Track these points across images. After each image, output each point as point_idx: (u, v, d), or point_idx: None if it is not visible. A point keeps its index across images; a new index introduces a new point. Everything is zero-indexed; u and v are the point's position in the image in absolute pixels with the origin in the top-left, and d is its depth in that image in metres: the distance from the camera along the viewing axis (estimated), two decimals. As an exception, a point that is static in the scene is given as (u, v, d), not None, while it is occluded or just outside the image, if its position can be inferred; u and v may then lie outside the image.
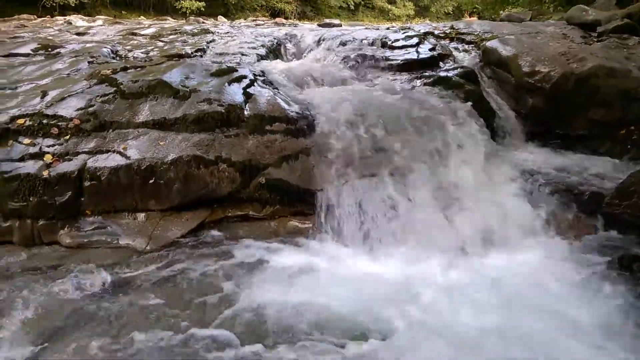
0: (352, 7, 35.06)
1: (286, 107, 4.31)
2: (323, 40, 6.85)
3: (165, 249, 3.70)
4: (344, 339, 2.77)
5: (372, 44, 6.36)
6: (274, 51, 6.94)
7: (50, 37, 7.49)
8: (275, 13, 28.52)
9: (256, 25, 11.82)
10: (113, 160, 3.84)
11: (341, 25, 11.05)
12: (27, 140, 3.93)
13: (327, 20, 13.60)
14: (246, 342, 2.74)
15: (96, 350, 2.70)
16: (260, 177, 3.92)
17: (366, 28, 8.79)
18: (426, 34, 6.70)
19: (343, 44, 6.45)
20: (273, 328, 2.85)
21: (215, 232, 3.87)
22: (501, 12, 10.14)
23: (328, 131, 4.25)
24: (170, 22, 13.60)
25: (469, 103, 4.63)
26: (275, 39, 7.27)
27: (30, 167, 3.72)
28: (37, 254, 3.62)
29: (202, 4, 24.40)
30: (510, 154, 4.61)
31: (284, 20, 18.32)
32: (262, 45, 6.75)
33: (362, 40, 6.49)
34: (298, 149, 4.04)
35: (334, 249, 3.74)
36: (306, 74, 5.50)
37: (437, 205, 4.00)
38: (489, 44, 5.59)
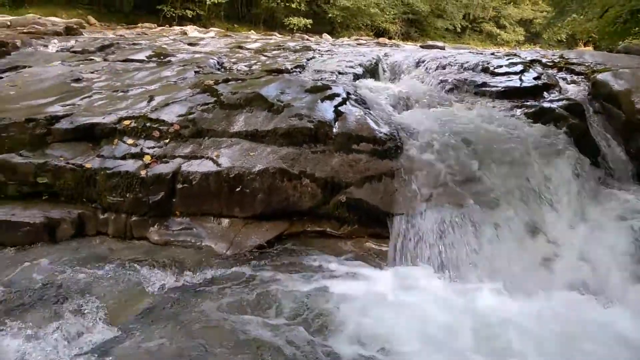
0: (459, 30, 34.44)
1: (375, 127, 4.29)
2: (422, 62, 6.76)
3: (244, 255, 3.79)
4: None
5: (472, 69, 6.18)
6: (371, 71, 6.96)
7: (164, 46, 8.06)
8: (379, 33, 28.70)
9: (357, 44, 11.95)
10: (205, 166, 4.02)
11: (444, 48, 10.88)
12: (130, 141, 4.23)
13: (430, 42, 13.46)
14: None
15: (167, 342, 2.81)
16: (341, 195, 3.92)
17: (470, 52, 8.58)
18: (532, 61, 6.41)
19: (442, 67, 6.33)
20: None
21: (292, 245, 3.92)
22: (620, 42, 9.45)
23: (416, 155, 4.17)
24: (276, 38, 14.14)
25: (572, 138, 4.34)
26: (373, 58, 7.29)
27: (130, 165, 4.00)
28: (127, 247, 3.86)
29: (310, 21, 25.16)
30: (614, 194, 4.25)
31: (386, 41, 18.38)
32: (360, 65, 6.79)
33: (462, 64, 6.33)
34: (382, 171, 4.00)
35: (409, 274, 3.63)
36: (400, 96, 5.46)
37: (527, 243, 3.76)
38: (600, 76, 5.22)
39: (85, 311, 3.06)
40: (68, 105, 4.60)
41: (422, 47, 11.00)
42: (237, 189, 3.96)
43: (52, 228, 3.84)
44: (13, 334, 2.80)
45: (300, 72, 6.32)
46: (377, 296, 3.36)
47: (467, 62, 6.39)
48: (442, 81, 5.89)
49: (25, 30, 10.62)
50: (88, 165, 3.98)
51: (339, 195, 3.93)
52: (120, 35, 11.81)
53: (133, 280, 3.43)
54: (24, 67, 6.51)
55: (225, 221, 4.03)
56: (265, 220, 4.01)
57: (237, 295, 3.32)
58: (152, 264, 3.62)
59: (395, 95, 5.47)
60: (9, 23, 11.59)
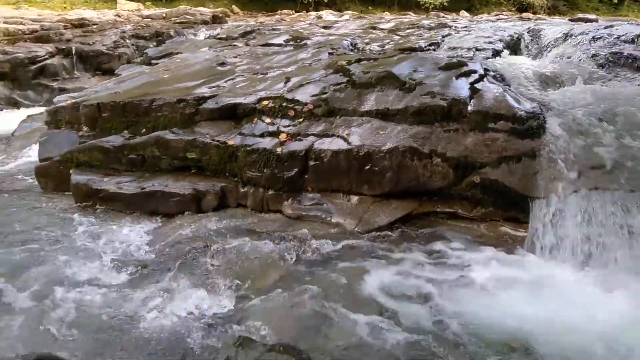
0: (616, 1, 30.82)
1: (515, 105, 4.02)
2: (571, 35, 6.18)
3: (372, 233, 3.82)
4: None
5: (632, 41, 5.50)
6: (513, 46, 6.53)
7: (300, 30, 8.32)
8: (522, 7, 26.74)
9: (497, 19, 11.27)
10: (336, 144, 4.09)
11: (597, 21, 9.82)
12: (268, 120, 4.44)
13: (581, 15, 12.23)
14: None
15: (299, 310, 2.95)
16: (475, 176, 3.75)
17: (629, 23, 7.64)
18: None
19: (594, 39, 5.72)
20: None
21: (420, 225, 3.86)
22: None
23: (561, 134, 3.83)
24: (410, 17, 13.85)
25: None
26: (515, 33, 6.83)
27: (268, 143, 4.21)
28: (263, 219, 4.10)
29: (446, -1, 24.22)
30: None
31: (530, 15, 17.08)
32: (500, 40, 6.41)
33: (619, 36, 5.66)
34: (522, 151, 3.74)
35: (549, 265, 3.39)
36: (545, 72, 5.05)
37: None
38: None
39: (225, 277, 3.31)
40: (214, 87, 4.97)
41: (570, 20, 10.03)
42: (367, 167, 3.98)
43: (198, 199, 4.21)
44: (163, 295, 3.12)
45: (434, 50, 6.14)
46: (519, 288, 3.15)
47: (625, 34, 5.70)
48: (593, 55, 5.33)
49: (177, 21, 11.65)
50: (231, 142, 4.27)
51: (472, 176, 3.77)
52: (261, 22, 12.41)
53: (268, 250, 3.63)
54: (177, 53, 7.17)
55: (354, 198, 4.09)
56: (393, 198, 3.99)
57: (364, 270, 3.36)
58: (286, 237, 3.79)
59: (539, 71, 5.07)
60: (164, 15, 12.79)
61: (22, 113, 7.47)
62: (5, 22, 10.33)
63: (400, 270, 3.37)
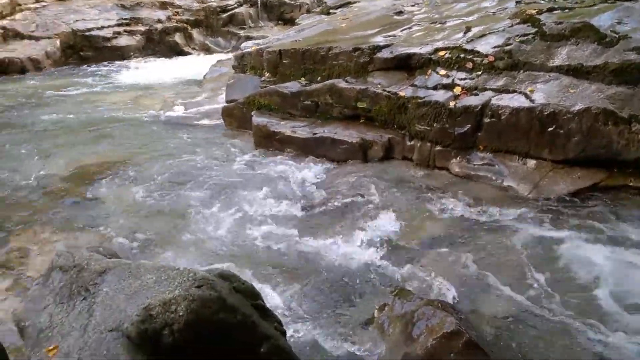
0: None
1: None
2: None
3: (548, 201, 3.51)
4: None
5: None
6: None
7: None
8: None
9: None
10: (517, 101, 3.78)
11: None
12: (442, 72, 4.26)
13: None
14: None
15: (456, 266, 2.89)
16: (686, 148, 3.20)
17: None
18: None
19: None
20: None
21: (607, 199, 3.42)
22: None
23: None
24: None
25: None
26: None
27: (440, 96, 4.05)
28: (428, 175, 4.01)
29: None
30: None
31: None
32: None
33: None
34: None
35: None
36: None
37: None
38: None
39: (387, 223, 3.34)
40: (389, 36, 4.89)
41: None
42: (550, 129, 3.63)
43: (365, 148, 4.26)
44: (331, 234, 3.26)
45: (647, -1, 5.24)
46: None
47: None
48: None
49: (357, -30, 11.54)
50: (402, 94, 4.20)
51: (681, 148, 3.22)
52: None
53: (429, 205, 3.57)
54: (354, 2, 7.16)
55: (531, 162, 3.77)
56: (577, 166, 3.59)
57: (529, 240, 3.12)
58: (450, 194, 3.68)
59: None
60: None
61: (213, 58, 8.22)
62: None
63: (575, 247, 3.05)
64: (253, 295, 1.60)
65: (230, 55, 8.18)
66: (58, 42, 8.28)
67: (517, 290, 2.69)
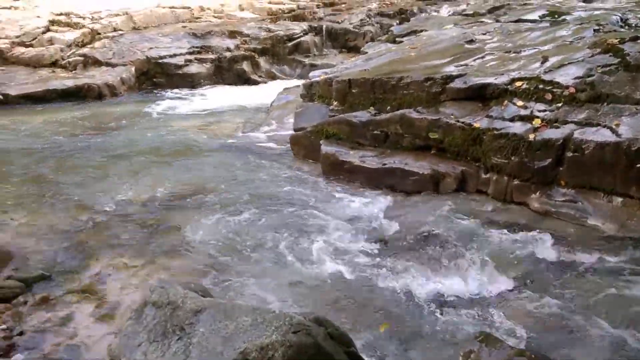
0: None
1: None
2: None
3: (636, 242, 3.29)
4: None
5: None
6: None
7: (557, 5, 7.51)
8: None
9: None
10: (602, 135, 3.61)
11: None
12: (520, 103, 4.12)
13: None
14: None
15: (543, 309, 2.73)
16: None
17: None
18: None
19: None
20: None
21: None
22: None
23: None
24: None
25: None
26: None
27: (518, 128, 3.91)
28: (505, 210, 3.86)
29: None
30: None
31: None
32: None
33: None
34: None
35: None
36: None
37: None
38: None
39: (463, 261, 3.23)
40: (461, 65, 4.80)
41: None
42: (638, 165, 3.43)
43: (437, 180, 4.16)
44: (401, 272, 3.18)
45: None
46: None
47: None
48: None
49: (421, -2, 11.58)
50: (477, 125, 4.09)
51: None
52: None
53: (510, 243, 3.43)
54: (421, 31, 7.13)
55: (618, 199, 3.58)
56: (671, 206, 3.36)
57: (619, 282, 2.93)
58: (530, 232, 3.52)
59: None
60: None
61: (279, 85, 8.37)
62: (269, 2, 11.64)
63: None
64: (346, 342, 1.55)
65: (296, 82, 8.31)
66: (133, 69, 8.67)
67: (611, 337, 2.51)
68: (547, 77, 4.20)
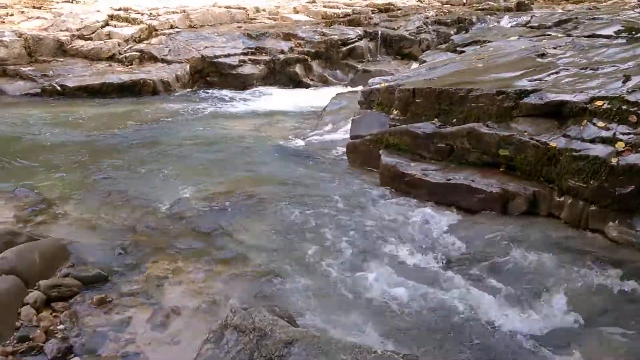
0: None
1: None
2: None
3: None
4: None
5: None
6: None
7: (631, 19, 7.14)
8: None
9: None
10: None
11: None
12: (601, 123, 3.85)
13: None
14: None
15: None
16: None
17: None
18: None
19: None
20: None
21: None
22: None
23: None
24: None
25: None
26: None
27: (600, 150, 3.64)
28: (581, 238, 3.59)
29: None
30: None
31: None
32: None
33: None
34: None
35: None
36: None
37: None
38: None
39: (536, 289, 3.02)
40: (535, 80, 4.55)
41: None
42: None
43: (505, 200, 3.93)
44: (467, 296, 2.98)
45: None
46: None
47: None
48: None
49: (479, 7, 11.32)
50: (552, 144, 3.84)
51: None
52: (569, 10, 11.20)
53: (587, 274, 3.19)
54: (484, 41, 6.89)
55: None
56: None
57: None
58: (610, 263, 3.26)
59: None
60: (464, 1, 12.59)
61: (331, 90, 8.24)
62: (324, 6, 11.56)
63: None
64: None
65: (349, 88, 8.18)
66: (188, 66, 8.73)
67: None
68: (631, 98, 3.90)
